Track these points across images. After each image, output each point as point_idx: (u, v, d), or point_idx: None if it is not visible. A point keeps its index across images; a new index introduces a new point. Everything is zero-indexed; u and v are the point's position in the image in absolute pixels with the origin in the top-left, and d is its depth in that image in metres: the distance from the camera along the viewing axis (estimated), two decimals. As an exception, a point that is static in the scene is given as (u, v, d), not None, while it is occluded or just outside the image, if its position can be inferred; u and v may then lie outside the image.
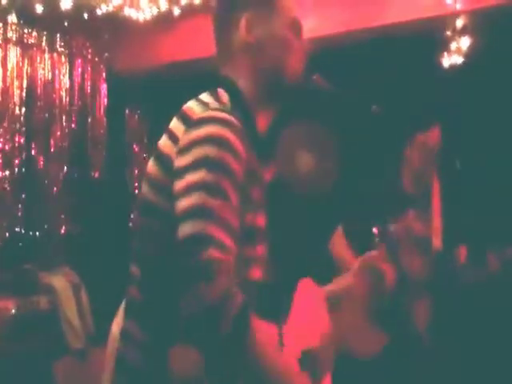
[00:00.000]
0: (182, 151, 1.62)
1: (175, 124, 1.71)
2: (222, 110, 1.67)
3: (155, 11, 5.88)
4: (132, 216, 6.50)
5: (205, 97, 1.77)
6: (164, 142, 1.73)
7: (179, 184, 1.59)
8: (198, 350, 1.56)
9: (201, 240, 1.51)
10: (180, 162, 1.62)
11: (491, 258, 3.74)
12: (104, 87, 6.86)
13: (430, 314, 3.48)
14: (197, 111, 1.68)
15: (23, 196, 6.25)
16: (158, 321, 1.64)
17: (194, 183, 1.56)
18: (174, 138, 1.68)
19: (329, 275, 3.98)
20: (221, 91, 1.80)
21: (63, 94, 6.57)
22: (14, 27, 6.19)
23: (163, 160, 1.70)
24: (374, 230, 3.13)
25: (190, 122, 1.65)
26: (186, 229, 1.53)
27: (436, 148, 3.64)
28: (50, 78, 6.48)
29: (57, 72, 6.55)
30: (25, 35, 6.30)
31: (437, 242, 3.44)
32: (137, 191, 6.94)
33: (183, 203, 1.56)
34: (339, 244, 4.02)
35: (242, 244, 1.64)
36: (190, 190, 1.56)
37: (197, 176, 1.56)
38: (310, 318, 1.82)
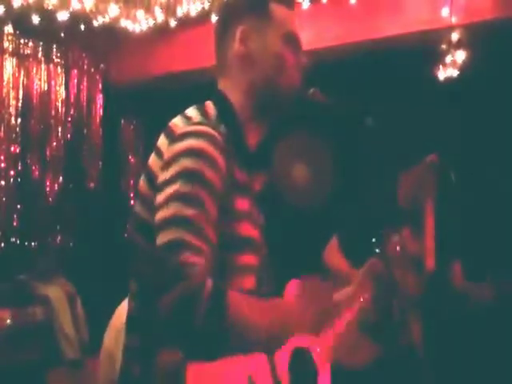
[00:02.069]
0: (164, 166, 1.67)
1: (161, 140, 1.76)
2: (204, 124, 1.71)
3: (151, 23, 5.90)
4: (127, 233, 6.50)
5: (190, 111, 1.81)
6: (152, 158, 1.78)
7: (159, 198, 1.65)
8: (179, 346, 1.59)
9: (176, 246, 1.56)
10: (161, 176, 1.67)
11: (486, 288, 3.74)
12: (100, 98, 6.87)
13: (424, 329, 3.49)
14: (179, 126, 1.72)
15: (18, 206, 6.24)
16: (159, 335, 1.65)
17: (170, 195, 1.61)
18: (159, 153, 1.73)
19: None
20: (209, 105, 1.83)
21: (59, 104, 6.58)
22: (10, 38, 6.20)
23: (151, 176, 1.75)
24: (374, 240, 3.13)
25: (173, 137, 1.69)
26: (162, 237, 1.59)
27: (432, 181, 3.66)
28: (45, 88, 6.48)
29: (53, 83, 6.56)
30: (21, 46, 6.32)
31: (430, 262, 3.44)
32: (132, 202, 6.95)
33: (160, 215, 1.62)
34: (334, 255, 4.03)
35: (227, 252, 1.69)
36: (166, 201, 1.62)
37: (173, 188, 1.62)
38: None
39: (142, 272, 1.75)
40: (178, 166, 1.63)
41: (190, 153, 1.64)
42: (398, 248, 3.05)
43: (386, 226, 3.34)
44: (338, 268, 3.90)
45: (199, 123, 1.72)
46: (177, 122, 1.77)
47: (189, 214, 1.58)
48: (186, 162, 1.63)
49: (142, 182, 1.79)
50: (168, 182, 1.63)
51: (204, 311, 1.51)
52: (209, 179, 1.63)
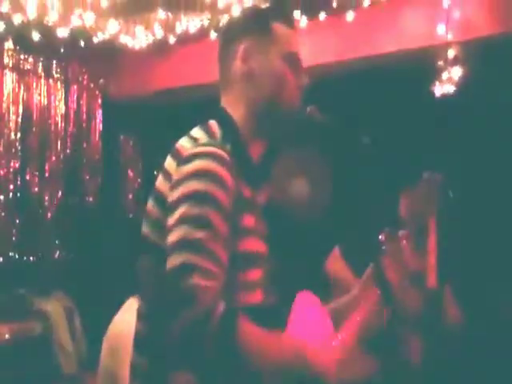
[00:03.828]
0: (173, 188, 1.68)
1: (169, 162, 1.78)
2: (211, 144, 1.73)
3: (151, 39, 5.94)
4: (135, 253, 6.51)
5: (195, 132, 1.82)
6: (160, 180, 1.79)
7: (170, 221, 1.65)
8: (190, 370, 1.60)
9: (186, 269, 1.56)
10: (171, 198, 1.68)
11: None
12: (99, 113, 6.89)
13: (423, 345, 3.49)
14: (187, 147, 1.73)
15: (17, 221, 6.26)
16: (168, 358, 1.67)
17: (180, 218, 1.62)
18: (167, 175, 1.75)
19: (324, 296, 4.00)
20: (212, 123, 1.85)
21: (59, 119, 6.61)
22: (10, 53, 6.24)
23: (159, 198, 1.76)
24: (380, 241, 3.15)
25: (180, 159, 1.70)
26: (172, 261, 1.59)
27: (434, 198, 3.68)
28: (45, 103, 6.51)
29: (52, 98, 6.58)
30: (21, 61, 6.35)
31: (431, 280, 3.45)
32: (131, 216, 6.96)
33: (171, 238, 1.62)
34: (338, 264, 4.04)
35: (235, 268, 1.70)
36: (177, 224, 1.62)
37: (183, 210, 1.62)
38: (310, 328, 1.84)
39: (151, 295, 1.76)
40: (186, 187, 1.65)
41: (198, 174, 1.65)
42: (394, 252, 3.06)
43: (385, 231, 3.35)
44: (341, 277, 3.91)
45: (206, 144, 1.73)
46: (184, 144, 1.78)
47: (199, 237, 1.59)
48: (195, 184, 1.64)
49: (151, 203, 1.80)
50: (178, 204, 1.64)
51: (213, 336, 1.52)
52: (218, 199, 1.64)
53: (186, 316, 1.51)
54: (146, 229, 1.80)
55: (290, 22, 1.95)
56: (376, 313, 2.13)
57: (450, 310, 3.61)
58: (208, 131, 1.82)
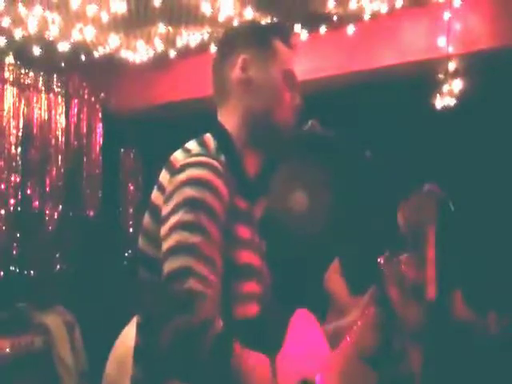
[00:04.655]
0: (167, 199, 1.69)
1: (163, 174, 1.79)
2: (204, 155, 1.74)
3: (151, 53, 5.95)
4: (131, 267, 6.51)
5: (189, 144, 1.83)
6: (154, 193, 1.80)
7: (163, 229, 1.66)
8: (182, 379, 1.59)
9: (182, 273, 1.56)
10: (165, 209, 1.68)
11: (491, 321, 3.71)
12: (100, 127, 6.89)
13: (423, 358, 3.48)
14: (180, 159, 1.74)
15: (18, 235, 6.25)
16: (162, 367, 1.66)
17: (175, 224, 1.62)
18: (161, 188, 1.75)
19: (321, 309, 4.00)
20: (207, 137, 1.86)
21: (59, 133, 6.60)
22: (11, 68, 6.24)
23: (154, 211, 1.76)
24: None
25: (173, 170, 1.71)
26: (168, 266, 1.59)
27: (433, 209, 3.68)
28: (46, 117, 6.51)
29: (53, 112, 6.58)
30: (22, 76, 6.35)
31: (431, 291, 3.45)
32: (131, 230, 6.95)
33: (165, 245, 1.62)
34: (335, 280, 4.04)
35: (230, 280, 1.69)
36: (171, 231, 1.63)
37: (177, 217, 1.63)
38: (307, 347, 1.83)
39: (147, 304, 1.76)
40: (179, 195, 1.65)
41: (191, 182, 1.66)
42: (396, 273, 3.05)
43: (386, 251, 3.35)
44: (337, 294, 3.91)
45: (199, 154, 1.74)
46: (177, 156, 1.79)
47: (194, 242, 1.59)
48: (188, 191, 1.64)
49: (146, 217, 1.81)
50: (171, 213, 1.65)
51: (205, 350, 1.51)
52: (211, 206, 1.64)
53: (181, 320, 1.51)
54: (142, 242, 1.81)
55: (290, 42, 1.97)
56: (373, 331, 2.12)
57: (462, 314, 3.61)
58: (202, 143, 1.83)
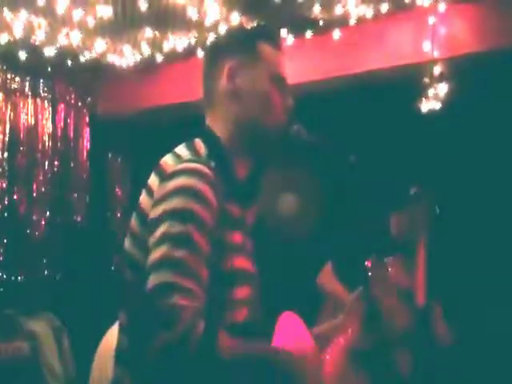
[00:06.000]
0: (155, 204, 1.69)
1: (152, 178, 1.78)
2: (194, 161, 1.73)
3: (138, 58, 5.95)
4: (116, 268, 6.50)
5: (180, 149, 1.83)
6: (143, 197, 1.79)
7: (151, 239, 1.65)
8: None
9: (165, 289, 1.55)
10: (153, 215, 1.68)
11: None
12: (87, 132, 6.87)
13: (412, 361, 3.49)
14: (170, 164, 1.74)
15: (5, 241, 6.22)
16: (146, 369, 1.66)
17: (161, 236, 1.62)
18: (150, 192, 1.75)
19: (314, 310, 4.01)
20: (197, 141, 1.85)
21: (46, 138, 6.58)
22: (-4, 73, 6.23)
23: (141, 215, 1.76)
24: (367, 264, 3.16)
25: (163, 176, 1.70)
26: (152, 280, 1.58)
27: (425, 219, 3.70)
28: (32, 123, 6.49)
29: (40, 117, 6.56)
30: (8, 80, 6.33)
31: (420, 296, 3.47)
32: (119, 235, 6.93)
33: (152, 257, 1.62)
34: (329, 279, 4.05)
35: (221, 286, 1.70)
36: (158, 243, 1.62)
37: (164, 228, 1.62)
38: (293, 348, 1.84)
39: (132, 308, 1.76)
40: (168, 205, 1.64)
41: (179, 191, 1.65)
42: (384, 275, 3.07)
43: (375, 253, 3.37)
44: (336, 292, 3.92)
45: (190, 161, 1.74)
46: (167, 161, 1.79)
47: (179, 256, 1.58)
48: (176, 201, 1.64)
49: (133, 220, 1.80)
50: (159, 221, 1.64)
51: (194, 356, 1.51)
52: (200, 216, 1.63)
53: (164, 338, 1.50)
54: (128, 243, 1.80)
55: (277, 44, 1.96)
56: (361, 334, 2.14)
57: (439, 329, 3.61)
58: (192, 148, 1.82)
